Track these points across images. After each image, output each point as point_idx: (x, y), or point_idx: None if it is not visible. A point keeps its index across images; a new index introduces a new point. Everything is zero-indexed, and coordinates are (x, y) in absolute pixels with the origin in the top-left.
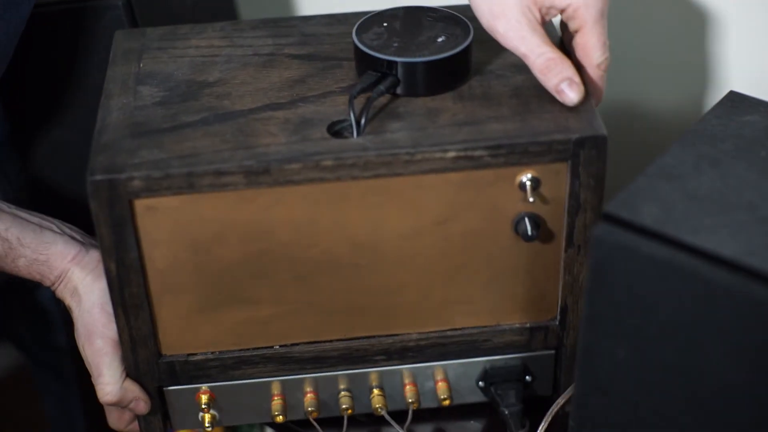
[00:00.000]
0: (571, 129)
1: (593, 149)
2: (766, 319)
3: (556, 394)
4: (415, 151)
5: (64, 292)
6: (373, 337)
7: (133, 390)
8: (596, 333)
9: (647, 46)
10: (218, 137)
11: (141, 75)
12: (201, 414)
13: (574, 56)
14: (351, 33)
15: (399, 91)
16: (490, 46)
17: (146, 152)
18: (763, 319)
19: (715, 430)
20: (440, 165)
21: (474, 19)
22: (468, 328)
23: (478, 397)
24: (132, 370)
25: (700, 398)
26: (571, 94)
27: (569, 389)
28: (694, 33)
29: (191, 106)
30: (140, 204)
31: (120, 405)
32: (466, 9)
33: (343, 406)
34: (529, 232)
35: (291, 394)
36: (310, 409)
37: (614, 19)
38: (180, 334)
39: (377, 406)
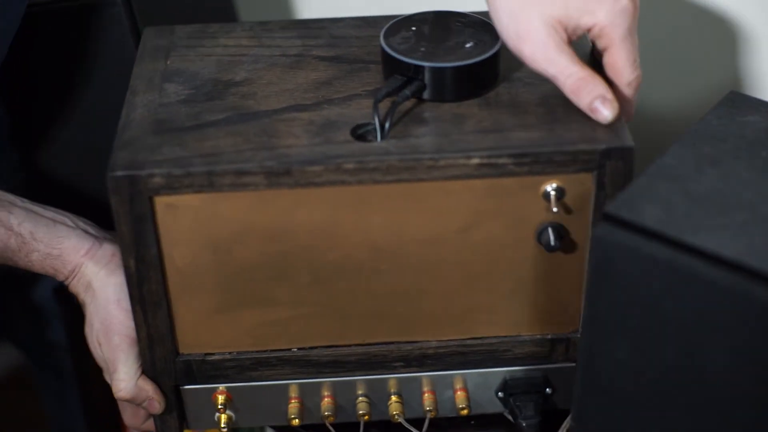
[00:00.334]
0: (598, 139)
1: (620, 160)
2: (767, 319)
3: None
4: (438, 156)
5: (77, 287)
6: (392, 343)
7: (148, 389)
8: (597, 333)
9: (647, 46)
10: (241, 137)
11: (168, 72)
12: (217, 414)
13: (605, 74)
14: (379, 36)
15: (425, 96)
16: None
17: (168, 150)
18: (763, 320)
19: (716, 430)
20: (464, 172)
21: None
22: (488, 337)
23: (497, 408)
24: (149, 367)
25: (701, 398)
26: (605, 111)
27: None
28: (695, 33)
29: (216, 105)
30: (161, 201)
31: (134, 402)
32: None
33: (360, 412)
34: (552, 243)
35: (308, 397)
36: (326, 413)
37: None
38: (198, 333)
39: (395, 413)
